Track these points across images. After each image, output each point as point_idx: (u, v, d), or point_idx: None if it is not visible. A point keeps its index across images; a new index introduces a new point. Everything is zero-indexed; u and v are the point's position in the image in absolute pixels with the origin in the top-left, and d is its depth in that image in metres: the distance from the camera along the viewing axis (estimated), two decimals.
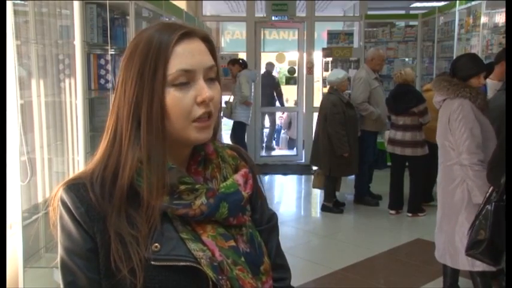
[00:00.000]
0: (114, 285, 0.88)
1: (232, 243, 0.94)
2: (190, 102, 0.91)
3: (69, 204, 0.91)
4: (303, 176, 7.62)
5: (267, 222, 1.08)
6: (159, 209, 0.90)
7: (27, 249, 2.92)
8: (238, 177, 0.99)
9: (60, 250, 0.92)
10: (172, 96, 0.91)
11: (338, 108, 5.38)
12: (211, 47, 0.98)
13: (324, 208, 5.75)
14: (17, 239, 2.88)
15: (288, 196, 6.63)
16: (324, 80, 8.06)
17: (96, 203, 0.90)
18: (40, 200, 3.10)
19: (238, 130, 7.24)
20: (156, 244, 0.89)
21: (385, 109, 5.67)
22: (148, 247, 0.88)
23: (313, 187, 5.99)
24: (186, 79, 0.91)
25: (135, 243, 0.88)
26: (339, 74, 5.64)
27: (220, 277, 0.89)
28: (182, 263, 0.88)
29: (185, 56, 0.92)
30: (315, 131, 5.83)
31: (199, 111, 0.92)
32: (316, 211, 6.17)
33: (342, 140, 5.35)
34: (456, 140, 3.03)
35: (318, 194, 6.41)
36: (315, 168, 6.12)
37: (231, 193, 0.96)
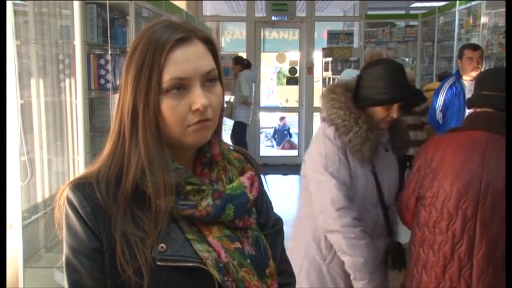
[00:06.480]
0: (118, 285, 0.88)
1: (238, 245, 0.94)
2: (185, 110, 0.90)
3: (75, 203, 0.90)
4: None
5: (272, 227, 1.08)
6: (165, 209, 0.89)
7: (27, 249, 2.92)
8: (245, 180, 0.99)
9: (65, 249, 0.92)
10: (167, 104, 0.90)
11: None
12: (213, 48, 0.96)
13: None
14: (17, 239, 2.88)
15: (288, 196, 6.62)
16: (324, 80, 8.06)
17: (103, 202, 0.90)
18: (40, 200, 3.10)
19: (239, 130, 7.22)
20: (162, 245, 0.88)
21: None
22: (154, 247, 0.88)
23: None
24: (181, 86, 0.90)
25: (140, 244, 0.87)
26: (354, 73, 5.59)
27: (226, 278, 0.89)
28: (188, 264, 0.88)
29: (180, 62, 0.90)
30: None
31: (194, 118, 0.91)
32: None
33: None
34: None
35: None
36: None
37: (237, 195, 0.95)
